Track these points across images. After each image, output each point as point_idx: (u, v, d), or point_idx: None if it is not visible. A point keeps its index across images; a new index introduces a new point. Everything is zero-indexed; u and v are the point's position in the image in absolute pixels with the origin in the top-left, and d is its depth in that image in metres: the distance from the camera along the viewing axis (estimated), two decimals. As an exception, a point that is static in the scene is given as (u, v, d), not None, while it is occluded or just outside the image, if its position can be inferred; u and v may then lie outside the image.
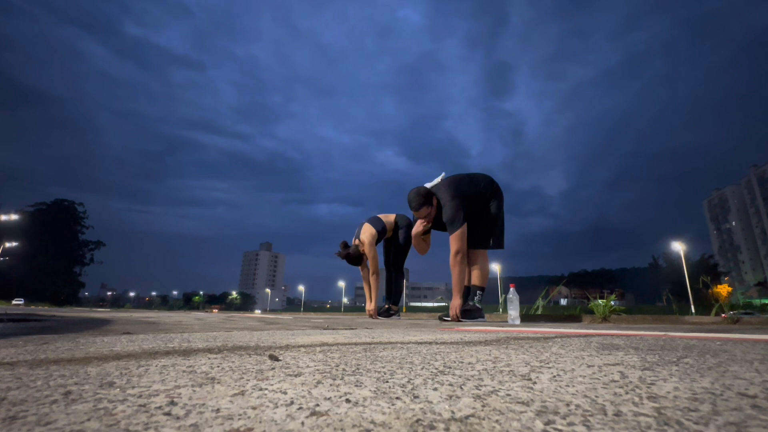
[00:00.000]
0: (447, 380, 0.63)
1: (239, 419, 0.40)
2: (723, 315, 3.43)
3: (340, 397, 0.51)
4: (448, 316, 3.80)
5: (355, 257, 5.09)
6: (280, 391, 0.54)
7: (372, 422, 0.40)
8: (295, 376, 0.66)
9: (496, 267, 40.53)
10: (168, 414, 0.42)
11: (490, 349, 1.11)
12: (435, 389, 0.56)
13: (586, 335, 1.65)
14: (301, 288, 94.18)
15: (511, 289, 3.81)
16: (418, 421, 0.40)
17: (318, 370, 0.73)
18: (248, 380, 0.62)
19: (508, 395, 0.52)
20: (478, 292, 3.83)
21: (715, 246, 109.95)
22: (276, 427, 0.38)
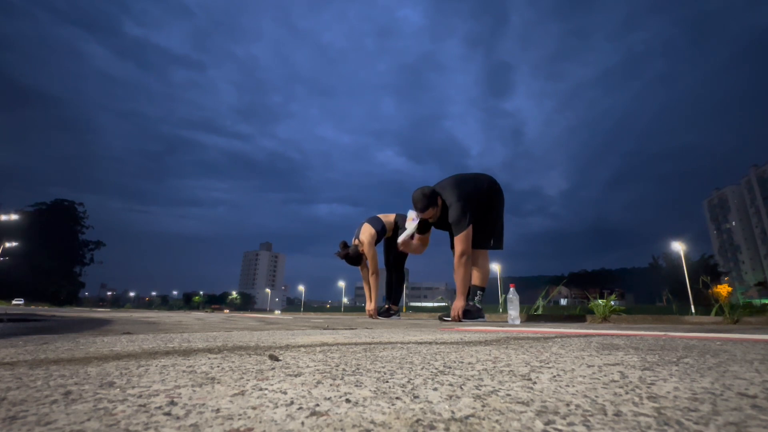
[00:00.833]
0: (447, 380, 0.63)
1: (239, 419, 0.40)
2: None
3: (340, 397, 0.51)
4: (449, 316, 3.80)
5: (354, 257, 5.09)
6: (280, 391, 0.54)
7: (372, 422, 0.40)
8: (295, 376, 0.66)
9: (496, 267, 40.53)
10: (168, 414, 0.42)
11: (490, 349, 1.11)
12: (435, 389, 0.56)
13: (586, 335, 1.65)
14: (301, 288, 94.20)
15: (511, 289, 3.81)
16: (418, 421, 0.40)
17: (318, 370, 0.73)
18: (248, 380, 0.62)
19: (508, 395, 0.52)
20: (478, 292, 3.83)
21: (715, 246, 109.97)
22: (276, 427, 0.38)
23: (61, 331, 1.83)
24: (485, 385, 0.58)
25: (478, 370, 0.72)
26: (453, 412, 0.43)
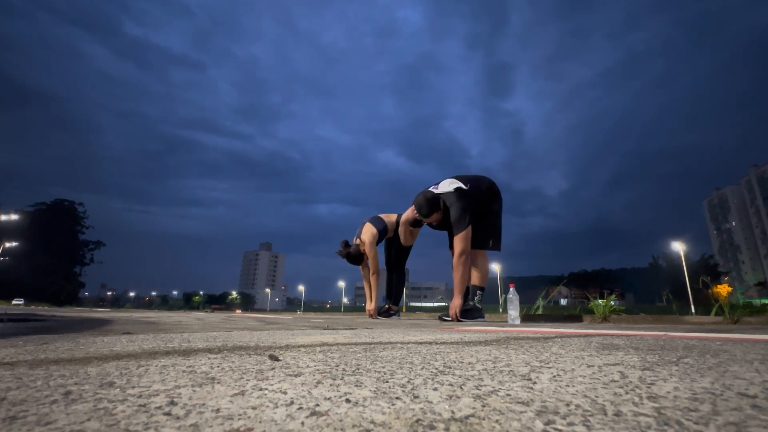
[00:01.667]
0: (447, 380, 0.63)
1: (239, 419, 0.40)
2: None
3: (340, 397, 0.51)
4: (448, 316, 3.80)
5: (355, 257, 5.09)
6: (280, 391, 0.54)
7: (372, 422, 0.40)
8: (295, 376, 0.66)
9: (496, 267, 40.53)
10: (168, 414, 0.42)
11: (490, 349, 1.11)
12: (435, 389, 0.56)
13: (586, 335, 1.65)
14: (301, 288, 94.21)
15: (511, 289, 3.81)
16: (418, 421, 0.40)
17: (318, 370, 0.73)
18: (248, 380, 0.62)
19: (508, 395, 0.52)
20: (478, 292, 3.84)
21: (715, 246, 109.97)
22: (276, 427, 0.38)
23: (61, 331, 1.83)
24: (485, 385, 0.58)
25: (478, 370, 0.72)
26: (453, 412, 0.43)
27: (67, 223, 73.23)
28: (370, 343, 1.25)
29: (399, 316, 5.43)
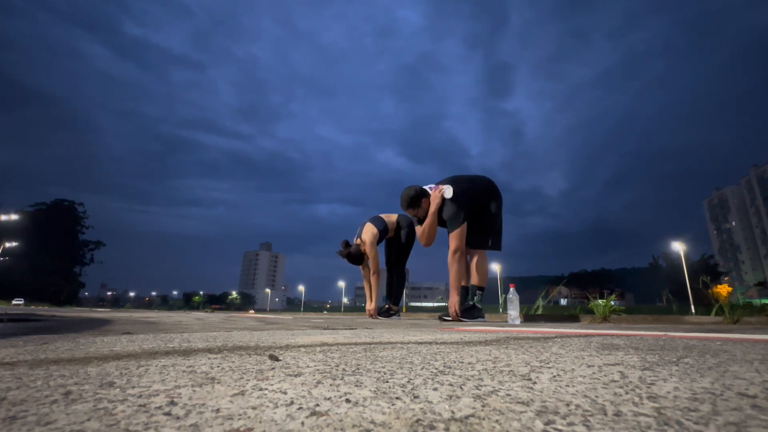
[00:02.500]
0: (447, 380, 0.63)
1: (239, 419, 0.40)
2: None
3: (340, 397, 0.51)
4: (448, 316, 3.81)
5: (356, 256, 5.09)
6: (280, 391, 0.54)
7: (372, 422, 0.40)
8: (295, 376, 0.66)
9: (496, 267, 40.53)
10: (168, 414, 0.42)
11: (490, 349, 1.11)
12: (435, 389, 0.56)
13: (586, 335, 1.65)
14: (301, 288, 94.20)
15: (511, 289, 3.81)
16: (418, 421, 0.40)
17: (318, 370, 0.73)
18: (248, 380, 0.62)
19: (508, 395, 0.52)
20: (478, 292, 3.84)
21: (715, 246, 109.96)
22: (276, 427, 0.38)
23: (61, 331, 1.83)
24: (485, 385, 0.58)
25: (478, 370, 0.72)
26: (453, 412, 0.43)
27: (67, 223, 73.23)
28: (370, 343, 1.25)
29: (399, 316, 5.43)
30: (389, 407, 0.45)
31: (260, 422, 0.39)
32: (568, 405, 0.47)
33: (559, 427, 0.38)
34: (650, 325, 3.26)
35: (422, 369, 0.74)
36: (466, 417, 0.42)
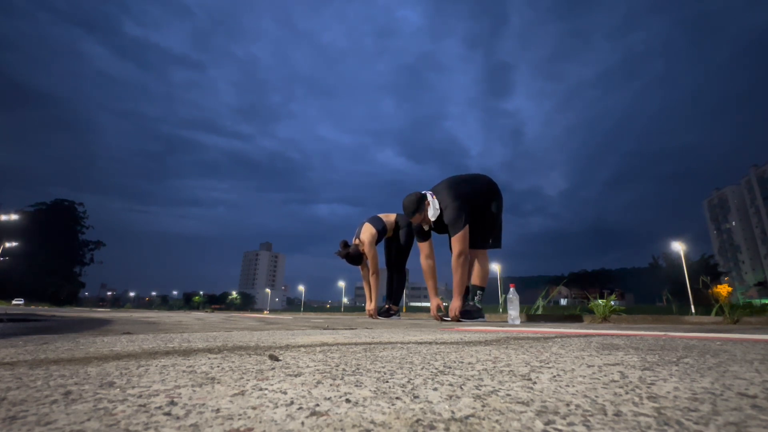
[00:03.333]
0: (447, 380, 0.63)
1: (239, 419, 0.40)
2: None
3: (340, 397, 0.51)
4: (448, 316, 3.80)
5: (354, 257, 5.09)
6: (280, 391, 0.54)
7: (372, 422, 0.40)
8: (295, 376, 0.66)
9: (496, 267, 40.52)
10: (168, 414, 0.42)
11: (490, 349, 1.11)
12: (435, 389, 0.56)
13: (586, 335, 1.65)
14: (301, 288, 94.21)
15: (511, 289, 3.81)
16: (418, 421, 0.40)
17: (318, 370, 0.73)
18: (248, 380, 0.62)
19: (508, 395, 0.52)
20: (478, 292, 3.84)
21: (715, 246, 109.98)
22: (276, 427, 0.38)
23: (61, 331, 1.83)
24: (485, 385, 0.58)
25: (478, 370, 0.72)
26: (453, 412, 0.43)
27: (67, 223, 73.24)
28: (370, 343, 1.25)
29: (399, 316, 5.43)
30: (389, 407, 0.45)
31: (260, 422, 0.39)
32: (568, 405, 0.47)
33: (559, 427, 0.38)
34: (650, 325, 3.26)
35: (422, 369, 0.74)
36: (466, 417, 0.42)
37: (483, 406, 0.46)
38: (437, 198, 3.89)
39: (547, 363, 0.82)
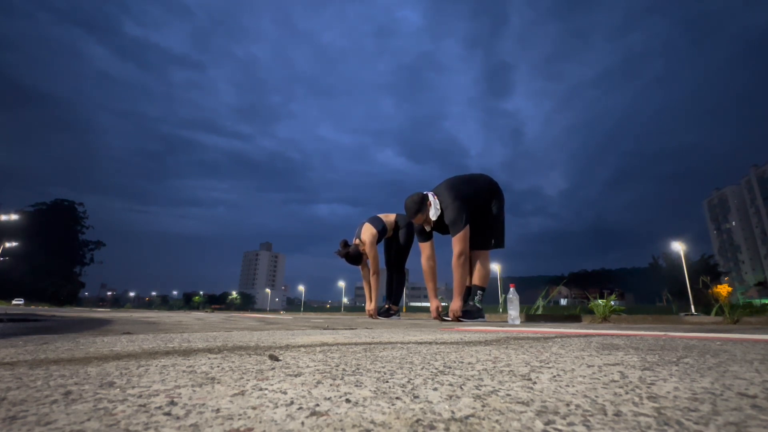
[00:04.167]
0: (447, 380, 0.63)
1: (239, 419, 0.40)
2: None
3: (340, 397, 0.51)
4: (448, 316, 3.81)
5: (354, 256, 5.09)
6: (280, 391, 0.54)
7: (372, 422, 0.40)
8: (295, 376, 0.66)
9: (496, 267, 40.52)
10: (168, 414, 0.42)
11: (490, 349, 1.11)
12: (435, 389, 0.56)
13: (586, 335, 1.65)
14: (301, 288, 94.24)
15: (511, 289, 3.81)
16: (418, 421, 0.40)
17: (318, 370, 0.73)
18: (248, 380, 0.62)
19: (508, 395, 0.52)
20: (478, 292, 3.84)
21: (715, 246, 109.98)
22: (276, 427, 0.38)
23: (61, 331, 1.83)
24: (485, 385, 0.58)
25: (478, 370, 0.72)
26: (453, 412, 0.43)
27: (67, 223, 73.23)
28: (370, 343, 1.25)
29: (399, 316, 5.43)
30: (389, 407, 0.45)
31: (260, 422, 0.39)
32: (568, 405, 0.47)
33: (559, 427, 0.38)
34: (650, 325, 3.26)
35: (422, 369, 0.74)
36: (466, 417, 0.42)
37: (483, 406, 0.46)
38: (438, 198, 3.89)
39: (547, 363, 0.82)
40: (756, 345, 1.19)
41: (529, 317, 4.71)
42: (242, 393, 0.53)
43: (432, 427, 0.38)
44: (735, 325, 3.04)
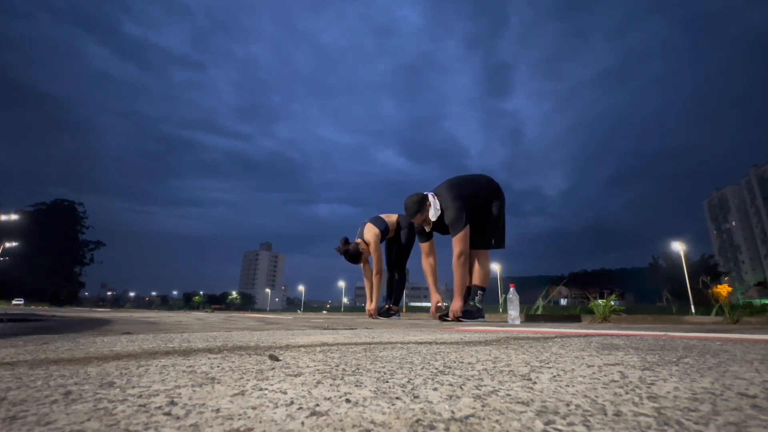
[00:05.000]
0: (447, 380, 0.63)
1: (239, 419, 0.40)
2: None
3: (340, 397, 0.51)
4: (448, 316, 3.81)
5: (353, 255, 5.09)
6: (280, 391, 0.54)
7: (372, 422, 0.40)
8: (295, 376, 0.66)
9: (496, 267, 40.51)
10: (168, 414, 0.42)
11: (490, 349, 1.11)
12: (435, 389, 0.56)
13: (586, 335, 1.65)
14: (301, 288, 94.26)
15: (511, 289, 3.81)
16: (418, 421, 0.40)
17: (318, 370, 0.73)
18: (248, 380, 0.62)
19: (508, 395, 0.52)
20: (479, 292, 3.84)
21: (715, 246, 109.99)
22: (276, 427, 0.38)
23: (61, 331, 1.83)
24: (485, 385, 0.58)
25: (478, 370, 0.72)
26: (453, 412, 0.43)
27: (67, 223, 73.23)
28: (370, 343, 1.25)
29: (399, 316, 5.43)
30: (389, 407, 0.45)
31: (260, 422, 0.39)
32: (568, 405, 0.47)
33: (559, 427, 0.38)
34: (650, 325, 3.26)
35: (422, 369, 0.74)
36: (466, 417, 0.42)
37: (483, 406, 0.46)
38: (439, 199, 3.89)
39: (547, 363, 0.82)
40: (756, 345, 1.19)
41: (529, 317, 4.71)
42: (242, 393, 0.53)
43: (432, 427, 0.38)
44: (735, 325, 3.04)
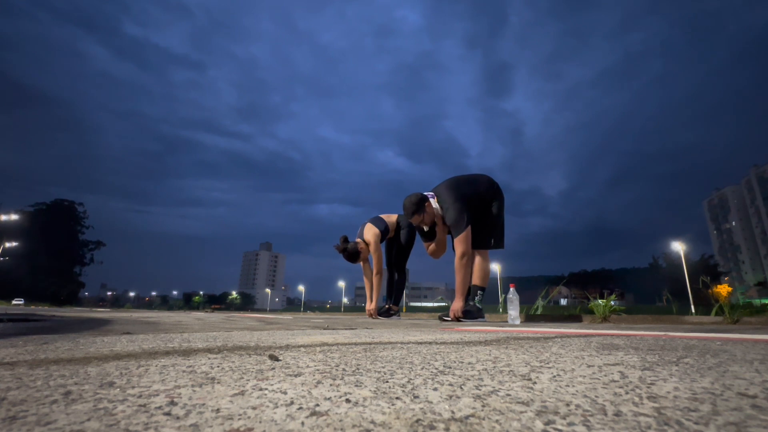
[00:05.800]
0: (447, 380, 0.63)
1: (239, 419, 0.40)
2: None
3: (340, 397, 0.51)
4: (448, 316, 3.81)
5: (351, 254, 5.09)
6: (280, 391, 0.54)
7: (372, 422, 0.40)
8: (295, 376, 0.66)
9: (496, 267, 40.51)
10: (168, 414, 0.42)
11: (490, 349, 1.11)
12: (435, 389, 0.56)
13: (586, 335, 1.65)
14: (301, 288, 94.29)
15: (511, 289, 3.81)
16: (418, 421, 0.40)
17: (318, 370, 0.73)
18: (248, 380, 0.62)
19: (508, 395, 0.52)
20: (478, 291, 3.84)
21: (715, 246, 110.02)
22: (276, 427, 0.38)
23: (61, 331, 1.83)
24: (485, 385, 0.58)
25: (478, 370, 0.72)
26: (453, 412, 0.43)
27: (67, 223, 73.23)
28: (370, 343, 1.25)
29: (399, 316, 5.43)
30: (389, 407, 0.45)
31: (260, 422, 0.39)
32: (568, 405, 0.47)
33: (559, 427, 0.38)
34: (650, 325, 3.26)
35: (422, 369, 0.74)
36: (466, 417, 0.42)
37: (483, 406, 0.46)
38: (438, 199, 3.89)
39: (547, 363, 0.82)
40: (756, 345, 1.19)
41: (529, 317, 4.71)
42: (242, 393, 0.53)
43: (432, 427, 0.38)
44: (735, 325, 3.04)
